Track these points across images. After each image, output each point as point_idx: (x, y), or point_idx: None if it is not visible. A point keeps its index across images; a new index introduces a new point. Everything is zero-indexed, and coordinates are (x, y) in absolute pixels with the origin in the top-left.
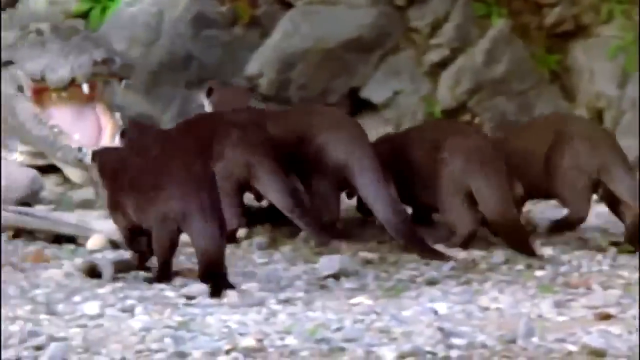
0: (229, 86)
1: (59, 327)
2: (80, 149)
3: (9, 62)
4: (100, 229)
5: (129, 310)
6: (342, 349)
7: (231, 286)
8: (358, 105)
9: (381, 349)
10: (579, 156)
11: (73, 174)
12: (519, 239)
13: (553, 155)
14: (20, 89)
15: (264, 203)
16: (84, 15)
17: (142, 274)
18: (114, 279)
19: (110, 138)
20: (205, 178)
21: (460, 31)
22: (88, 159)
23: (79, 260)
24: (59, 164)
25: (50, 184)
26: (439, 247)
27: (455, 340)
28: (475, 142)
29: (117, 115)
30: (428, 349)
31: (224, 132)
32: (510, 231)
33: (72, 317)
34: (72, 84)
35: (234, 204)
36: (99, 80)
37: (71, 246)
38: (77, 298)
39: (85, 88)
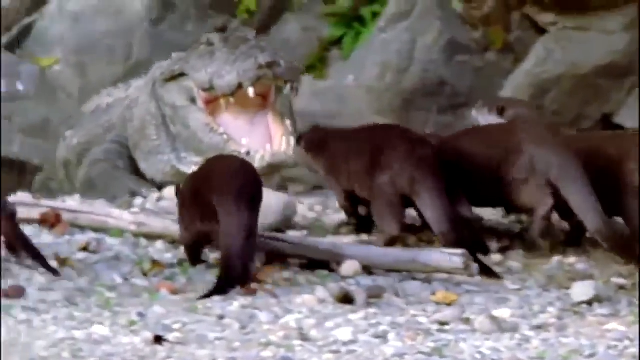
0: (518, 102)
1: (311, 353)
2: (248, 153)
3: (182, 74)
4: (353, 254)
5: (382, 336)
6: None
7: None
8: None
9: None
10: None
11: None
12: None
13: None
14: (192, 100)
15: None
16: (337, 41)
17: (394, 299)
18: (367, 305)
19: (279, 144)
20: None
21: None
22: (257, 163)
23: (332, 286)
24: None
25: (303, 209)
26: None
27: None
28: None
29: (288, 122)
30: None
31: (394, 144)
32: None
33: (325, 343)
34: (239, 88)
35: (394, 212)
36: (266, 83)
37: (324, 272)
38: (329, 324)
39: (251, 92)
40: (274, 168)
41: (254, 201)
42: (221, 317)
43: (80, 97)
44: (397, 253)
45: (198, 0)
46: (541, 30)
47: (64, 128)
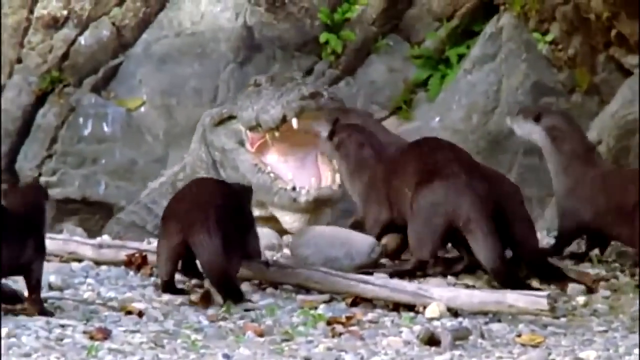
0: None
1: None
2: (294, 188)
3: (230, 117)
4: (439, 296)
5: None
6: None
7: None
8: None
9: None
10: None
11: (288, 221)
12: None
13: None
14: (241, 143)
15: None
16: (423, 83)
17: (480, 341)
18: (453, 347)
19: (325, 179)
20: None
21: None
22: (302, 198)
23: (417, 328)
24: (277, 213)
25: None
26: None
27: None
28: None
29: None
30: None
31: (448, 167)
32: None
33: None
34: (284, 122)
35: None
36: (309, 114)
37: (410, 313)
38: None
39: (295, 123)
40: (320, 203)
41: (220, 222)
42: (307, 359)
43: (165, 139)
44: (483, 295)
45: (284, 42)
46: (627, 72)
47: (149, 170)
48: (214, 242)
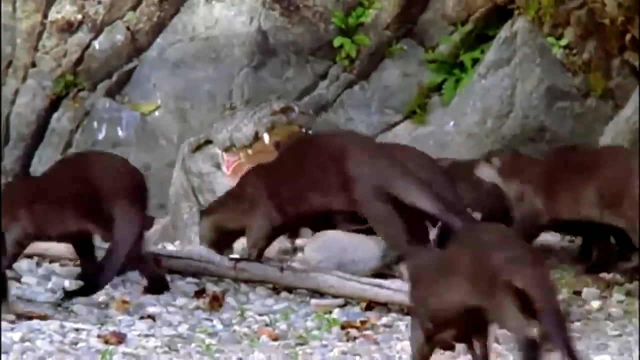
0: None
1: None
2: None
3: (207, 142)
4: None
5: None
6: None
7: None
8: None
9: None
10: None
11: None
12: None
13: None
14: (217, 166)
15: None
16: (438, 87)
17: (494, 345)
18: (467, 351)
19: None
20: None
21: None
22: None
23: None
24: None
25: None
26: None
27: None
28: None
29: None
30: None
31: None
32: None
33: None
34: (257, 139)
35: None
36: (280, 128)
37: None
38: None
39: (266, 139)
40: None
41: None
42: None
43: (179, 143)
44: None
45: (298, 46)
46: None
47: (163, 174)
48: None
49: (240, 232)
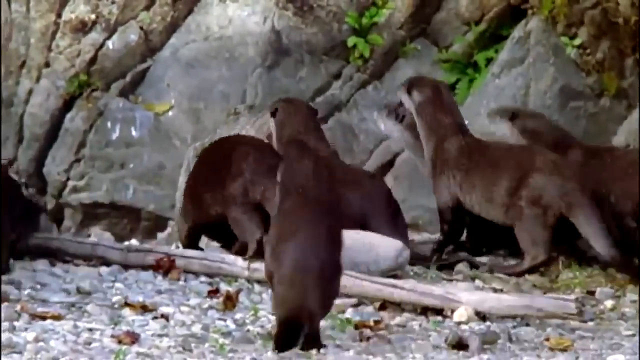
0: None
1: None
2: None
3: None
4: (467, 300)
5: None
6: None
7: None
8: None
9: None
10: None
11: None
12: None
13: None
14: None
15: None
16: (451, 87)
17: (508, 345)
18: (481, 351)
19: None
20: None
21: None
22: None
23: (445, 332)
24: None
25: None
26: None
27: None
28: None
29: None
30: None
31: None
32: None
33: None
34: None
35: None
36: None
37: (438, 317)
38: None
39: None
40: None
41: None
42: None
43: (193, 143)
44: (511, 299)
45: (312, 46)
46: None
47: (177, 174)
48: None
49: None
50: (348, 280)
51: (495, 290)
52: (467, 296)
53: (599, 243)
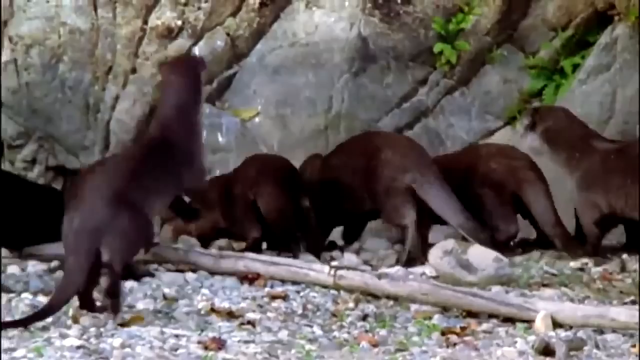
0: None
1: None
2: None
3: None
4: (544, 309)
5: None
6: None
7: None
8: None
9: None
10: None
11: None
12: None
13: None
14: None
15: None
16: (538, 93)
17: (595, 352)
18: (568, 358)
19: None
20: None
21: None
22: None
23: (532, 338)
24: None
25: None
26: None
27: None
28: None
29: None
30: None
31: None
32: None
33: None
34: None
35: None
36: None
37: (524, 324)
38: None
39: None
40: None
41: None
42: None
43: (280, 149)
44: (586, 308)
45: (398, 52)
46: None
47: None
48: None
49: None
50: (429, 288)
51: (573, 300)
52: (543, 305)
53: None
